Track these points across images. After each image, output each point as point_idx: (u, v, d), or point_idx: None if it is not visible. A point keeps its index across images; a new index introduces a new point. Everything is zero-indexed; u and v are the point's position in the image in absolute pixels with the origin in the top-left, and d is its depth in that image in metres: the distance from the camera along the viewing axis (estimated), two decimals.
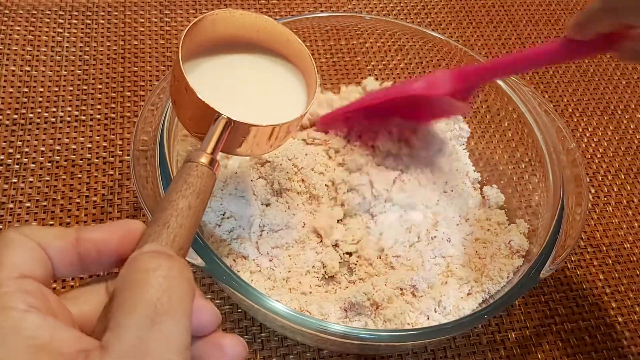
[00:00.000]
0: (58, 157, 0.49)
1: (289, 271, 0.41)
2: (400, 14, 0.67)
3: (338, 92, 0.53)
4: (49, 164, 0.48)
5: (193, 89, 0.31)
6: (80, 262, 0.21)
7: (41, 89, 0.53)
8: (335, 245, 0.44)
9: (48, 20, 0.58)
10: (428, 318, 0.39)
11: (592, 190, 0.55)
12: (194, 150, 0.29)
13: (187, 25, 0.60)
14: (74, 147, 0.50)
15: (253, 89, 0.37)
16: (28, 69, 0.54)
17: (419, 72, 0.54)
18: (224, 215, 0.42)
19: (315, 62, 0.37)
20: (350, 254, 0.44)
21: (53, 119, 0.51)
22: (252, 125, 0.32)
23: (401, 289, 0.40)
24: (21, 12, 0.58)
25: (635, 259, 0.50)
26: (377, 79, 0.53)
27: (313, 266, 0.42)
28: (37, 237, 0.20)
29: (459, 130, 0.51)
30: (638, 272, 0.49)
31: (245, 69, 0.38)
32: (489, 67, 0.43)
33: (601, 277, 0.49)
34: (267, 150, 0.36)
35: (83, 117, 0.52)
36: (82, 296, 0.22)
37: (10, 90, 0.52)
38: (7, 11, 0.58)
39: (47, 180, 0.47)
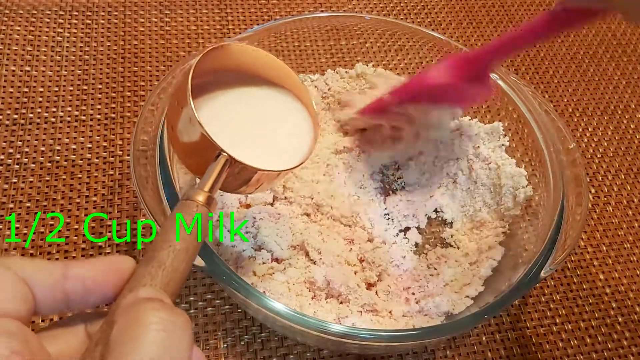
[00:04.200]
0: (58, 157, 0.49)
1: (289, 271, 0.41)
2: (400, 14, 0.67)
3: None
4: (49, 164, 0.48)
5: (200, 122, 0.29)
6: (65, 299, 0.20)
7: (41, 89, 0.53)
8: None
9: (48, 20, 0.58)
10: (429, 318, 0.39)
11: (592, 190, 0.55)
12: (191, 187, 0.27)
13: (187, 25, 0.61)
14: (74, 147, 0.50)
15: (258, 127, 0.35)
16: (28, 69, 0.54)
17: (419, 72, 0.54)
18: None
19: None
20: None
21: (53, 119, 0.51)
22: (254, 168, 0.31)
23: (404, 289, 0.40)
24: (21, 12, 0.58)
25: (635, 259, 0.50)
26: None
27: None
28: (21, 270, 0.19)
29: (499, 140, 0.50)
30: (638, 272, 0.49)
31: (250, 105, 0.36)
32: (496, 46, 0.40)
33: (601, 277, 0.49)
34: (262, 190, 0.35)
35: (83, 117, 0.52)
36: (62, 336, 0.21)
37: (10, 90, 0.52)
38: (7, 11, 0.58)
39: (47, 180, 0.47)
